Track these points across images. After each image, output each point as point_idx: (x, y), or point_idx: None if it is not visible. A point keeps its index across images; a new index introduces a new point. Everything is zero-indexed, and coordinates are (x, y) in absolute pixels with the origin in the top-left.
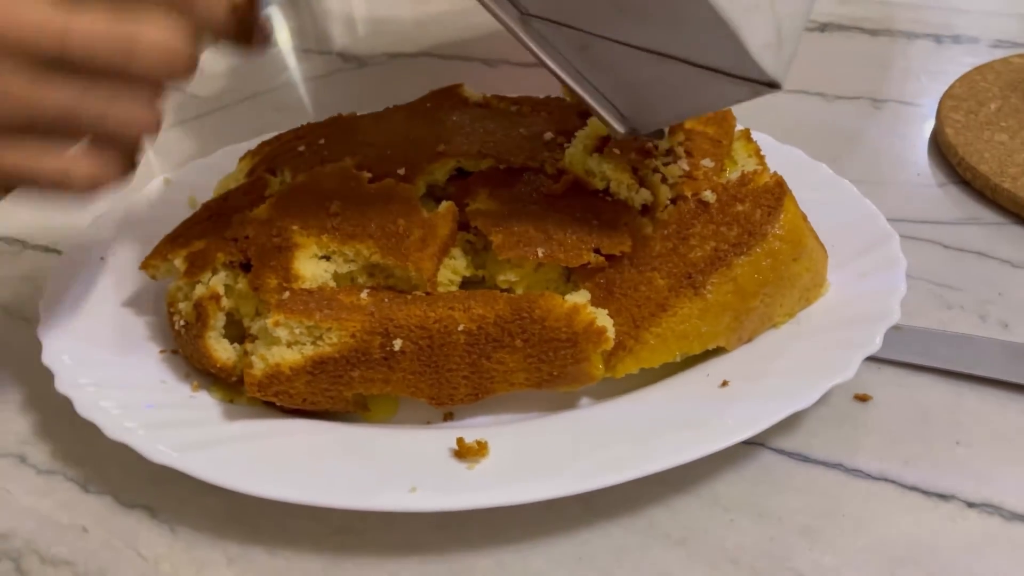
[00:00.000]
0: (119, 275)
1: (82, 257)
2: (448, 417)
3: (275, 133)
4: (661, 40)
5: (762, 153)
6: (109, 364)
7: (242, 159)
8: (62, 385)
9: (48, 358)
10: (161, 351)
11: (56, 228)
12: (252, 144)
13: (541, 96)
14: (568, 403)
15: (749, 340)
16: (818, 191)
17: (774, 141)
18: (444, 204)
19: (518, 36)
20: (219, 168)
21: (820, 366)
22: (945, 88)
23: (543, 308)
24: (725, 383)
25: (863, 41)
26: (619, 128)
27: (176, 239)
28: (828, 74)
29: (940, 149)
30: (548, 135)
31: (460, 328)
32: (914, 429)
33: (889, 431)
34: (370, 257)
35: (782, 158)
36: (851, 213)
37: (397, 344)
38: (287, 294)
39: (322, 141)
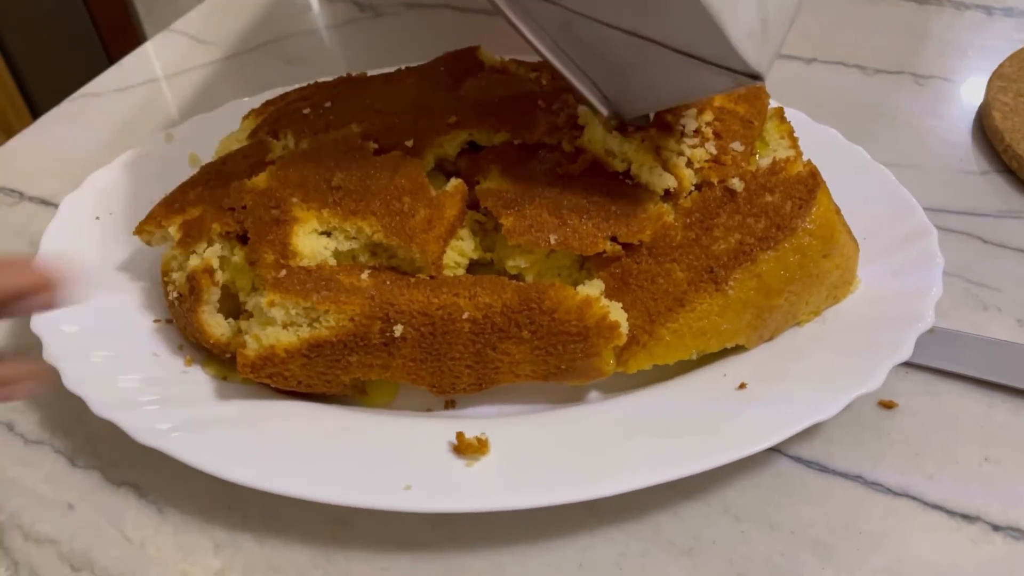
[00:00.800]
0: (114, 237)
1: (77, 217)
2: (450, 405)
3: (284, 88)
4: (642, 23)
5: (795, 135)
6: (100, 333)
7: (245, 118)
8: (50, 355)
9: (37, 325)
10: (155, 320)
11: (55, 178)
12: (256, 102)
13: None
14: (576, 396)
15: (771, 339)
16: (853, 176)
17: (808, 119)
18: (453, 182)
19: (501, 10)
20: (222, 124)
21: (845, 372)
22: (994, 66)
23: (553, 299)
24: (743, 385)
25: (909, 10)
26: (603, 110)
27: (171, 204)
28: (869, 44)
29: (985, 133)
30: (567, 104)
31: (465, 316)
32: (940, 441)
33: (914, 442)
34: (372, 236)
35: (817, 139)
36: (887, 203)
37: (398, 330)
38: (284, 272)
39: (328, 104)
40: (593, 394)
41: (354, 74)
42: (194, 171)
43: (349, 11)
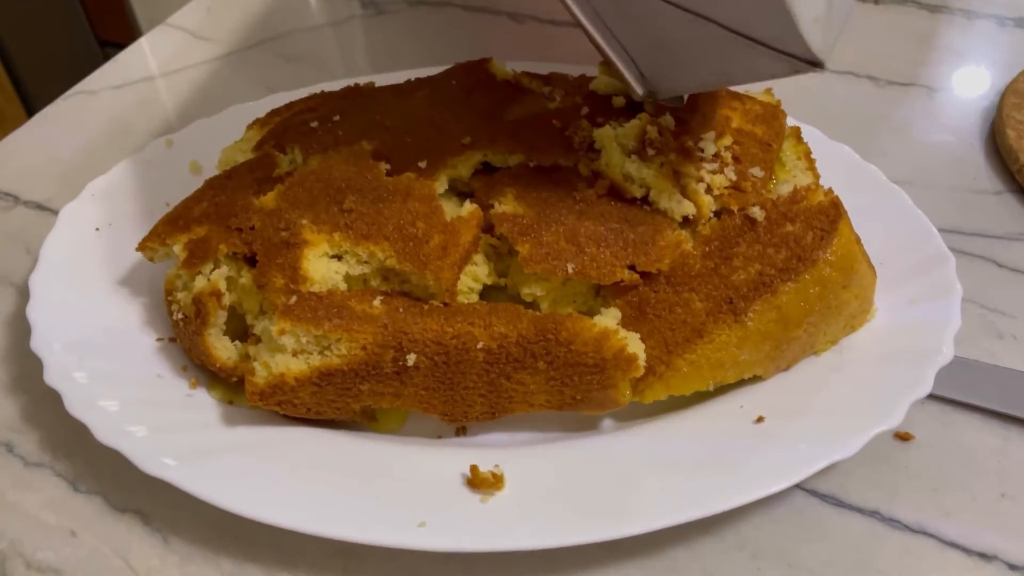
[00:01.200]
0: (115, 250)
1: (77, 228)
2: (461, 432)
3: (286, 93)
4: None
5: (813, 157)
6: (102, 354)
7: (250, 127)
8: (51, 377)
9: (37, 345)
10: (158, 339)
11: (51, 181)
12: (260, 107)
13: (572, 71)
14: (589, 423)
15: (787, 368)
16: (869, 197)
17: (823, 136)
18: (468, 207)
19: None
20: (224, 130)
21: (864, 407)
22: (1007, 80)
23: (570, 331)
24: (761, 419)
25: (921, 18)
26: (638, 88)
27: (175, 221)
28: (880, 54)
29: (999, 151)
30: (583, 127)
31: (479, 346)
32: (957, 476)
33: (930, 476)
34: (385, 261)
35: (831, 157)
36: (904, 226)
37: (411, 359)
38: (294, 298)
39: (337, 117)
40: (607, 422)
41: (361, 83)
42: (196, 179)
43: (351, 7)
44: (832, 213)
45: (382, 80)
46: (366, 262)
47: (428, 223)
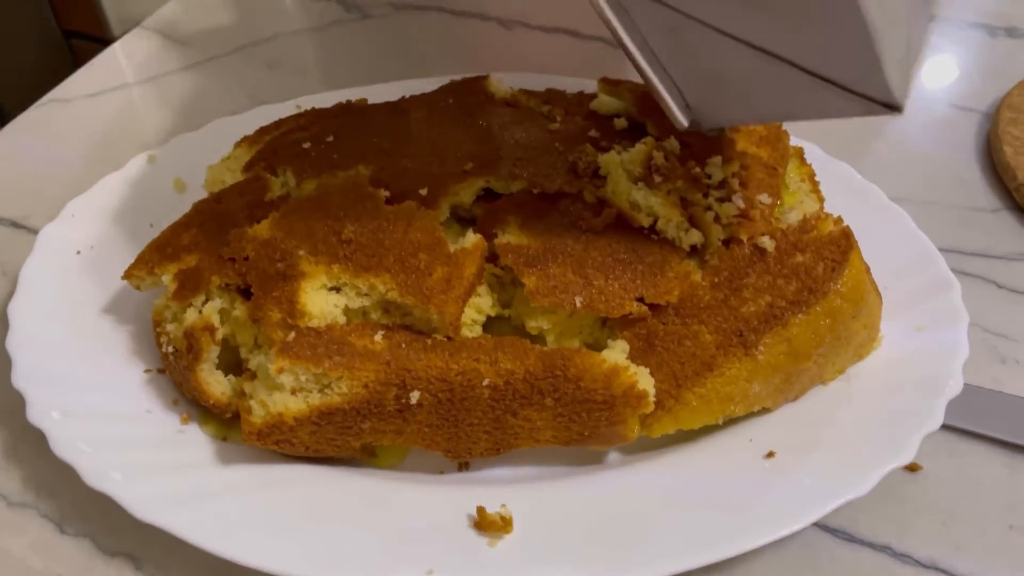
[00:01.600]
0: (98, 275)
1: (57, 252)
2: (463, 467)
3: (269, 102)
4: (777, 39)
5: (816, 179)
6: (88, 388)
7: (237, 145)
8: (35, 416)
9: (19, 380)
10: (146, 370)
11: (26, 197)
12: (244, 120)
13: (568, 84)
14: (594, 456)
15: (795, 399)
16: (870, 219)
17: (823, 154)
18: (472, 239)
19: (597, 5)
20: (207, 146)
21: (875, 442)
22: (1000, 92)
23: (579, 367)
24: (771, 454)
25: None
26: (682, 119)
27: (164, 248)
28: None
29: (996, 168)
30: (587, 153)
31: (485, 383)
32: (967, 507)
33: (940, 509)
34: (386, 294)
35: (831, 176)
36: (906, 249)
37: (414, 397)
38: (293, 335)
39: (330, 138)
40: (612, 454)
41: (352, 99)
42: (180, 197)
43: (334, 12)
44: (843, 243)
45: (373, 93)
46: (366, 294)
47: (431, 255)
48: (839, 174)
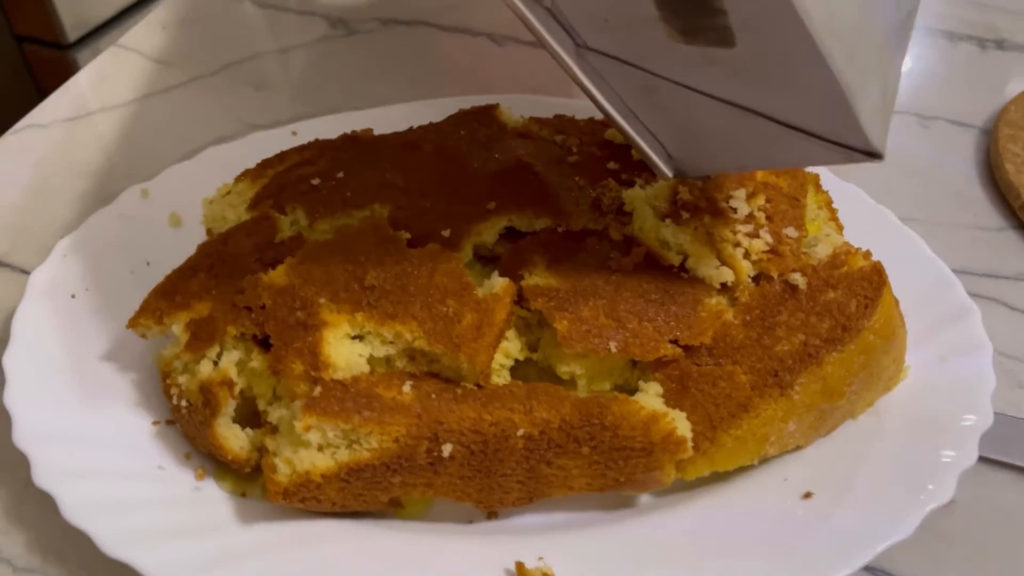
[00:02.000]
0: (96, 319)
1: (50, 296)
2: (492, 516)
3: (262, 127)
4: (751, 96)
5: (834, 206)
6: (95, 444)
7: (239, 179)
8: (43, 480)
9: (22, 440)
10: (154, 422)
11: (7, 234)
12: (238, 149)
13: (577, 108)
14: (626, 500)
15: (827, 434)
16: (883, 242)
17: (834, 177)
18: (501, 283)
19: (566, 66)
20: (202, 177)
21: (913, 483)
22: (996, 107)
23: (616, 415)
24: (808, 495)
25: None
26: (666, 171)
27: (171, 295)
28: None
29: (997, 186)
30: (611, 188)
31: (520, 433)
32: (999, 542)
33: (974, 543)
34: (414, 342)
35: (843, 199)
36: (923, 275)
37: (447, 450)
38: (318, 389)
39: (340, 174)
40: (644, 497)
41: (356, 128)
42: (176, 233)
43: (319, 27)
44: (875, 280)
45: (374, 119)
46: (391, 343)
47: (459, 300)
48: (850, 196)
